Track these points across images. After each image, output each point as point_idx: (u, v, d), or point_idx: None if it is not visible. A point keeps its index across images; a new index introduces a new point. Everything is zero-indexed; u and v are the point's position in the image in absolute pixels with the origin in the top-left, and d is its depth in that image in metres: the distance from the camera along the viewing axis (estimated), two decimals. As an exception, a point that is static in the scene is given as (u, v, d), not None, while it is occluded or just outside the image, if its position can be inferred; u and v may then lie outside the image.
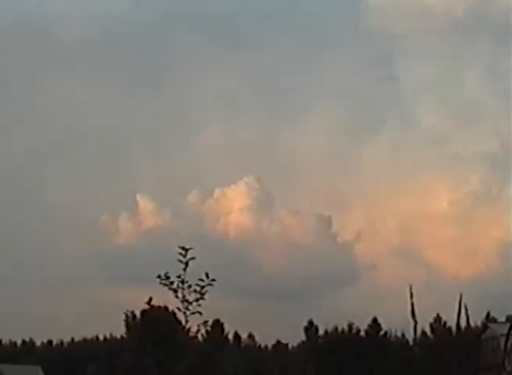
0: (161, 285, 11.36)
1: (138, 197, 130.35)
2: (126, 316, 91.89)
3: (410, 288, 19.43)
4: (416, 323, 20.08)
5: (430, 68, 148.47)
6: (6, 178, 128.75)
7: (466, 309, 24.16)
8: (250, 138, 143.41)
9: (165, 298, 11.57)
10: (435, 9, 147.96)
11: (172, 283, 11.29)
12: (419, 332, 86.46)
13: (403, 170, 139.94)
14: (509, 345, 66.81)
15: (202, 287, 11.22)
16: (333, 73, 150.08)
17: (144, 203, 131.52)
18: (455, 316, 24.51)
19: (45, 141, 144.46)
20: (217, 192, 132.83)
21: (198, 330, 11.69)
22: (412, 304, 19.97)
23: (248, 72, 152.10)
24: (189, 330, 11.69)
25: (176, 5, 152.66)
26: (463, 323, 59.91)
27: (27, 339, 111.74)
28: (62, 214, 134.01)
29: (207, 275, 11.21)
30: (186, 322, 11.48)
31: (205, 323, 11.54)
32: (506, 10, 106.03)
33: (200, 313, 11.36)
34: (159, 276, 11.32)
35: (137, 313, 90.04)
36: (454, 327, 58.18)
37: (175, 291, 11.28)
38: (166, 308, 69.92)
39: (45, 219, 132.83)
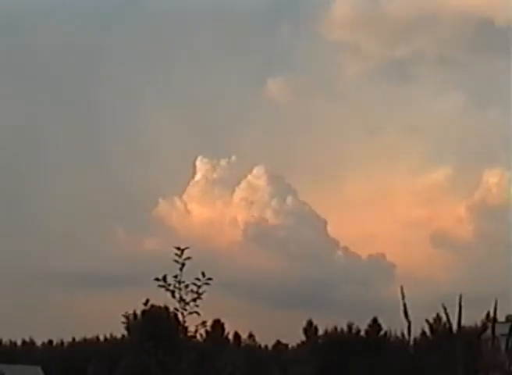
0: (159, 287, 11.45)
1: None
2: (127, 316, 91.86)
3: (402, 289, 19.14)
4: (410, 323, 19.72)
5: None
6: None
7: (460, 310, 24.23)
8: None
9: (166, 299, 11.65)
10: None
11: (169, 285, 11.36)
12: (419, 332, 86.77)
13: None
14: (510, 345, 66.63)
15: (199, 287, 11.30)
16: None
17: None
18: (456, 316, 24.54)
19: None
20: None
21: (196, 330, 11.77)
22: (404, 305, 19.56)
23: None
24: (186, 329, 11.76)
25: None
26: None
27: (27, 339, 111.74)
28: (60, 214, 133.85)
29: (203, 274, 11.30)
30: (184, 322, 11.56)
31: (203, 323, 11.61)
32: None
33: (197, 313, 11.44)
34: (157, 279, 11.39)
35: (138, 313, 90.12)
36: (455, 327, 57.94)
37: (172, 292, 11.36)
38: (167, 308, 70.02)
39: (43, 219, 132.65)
